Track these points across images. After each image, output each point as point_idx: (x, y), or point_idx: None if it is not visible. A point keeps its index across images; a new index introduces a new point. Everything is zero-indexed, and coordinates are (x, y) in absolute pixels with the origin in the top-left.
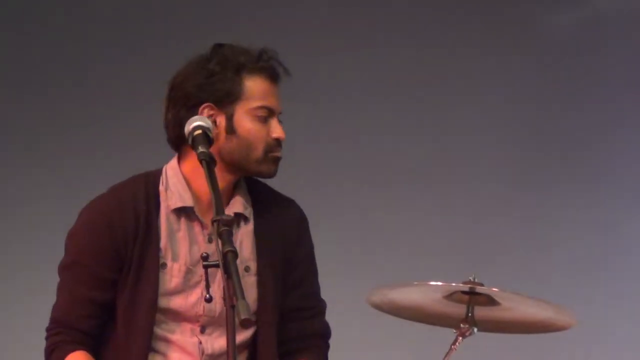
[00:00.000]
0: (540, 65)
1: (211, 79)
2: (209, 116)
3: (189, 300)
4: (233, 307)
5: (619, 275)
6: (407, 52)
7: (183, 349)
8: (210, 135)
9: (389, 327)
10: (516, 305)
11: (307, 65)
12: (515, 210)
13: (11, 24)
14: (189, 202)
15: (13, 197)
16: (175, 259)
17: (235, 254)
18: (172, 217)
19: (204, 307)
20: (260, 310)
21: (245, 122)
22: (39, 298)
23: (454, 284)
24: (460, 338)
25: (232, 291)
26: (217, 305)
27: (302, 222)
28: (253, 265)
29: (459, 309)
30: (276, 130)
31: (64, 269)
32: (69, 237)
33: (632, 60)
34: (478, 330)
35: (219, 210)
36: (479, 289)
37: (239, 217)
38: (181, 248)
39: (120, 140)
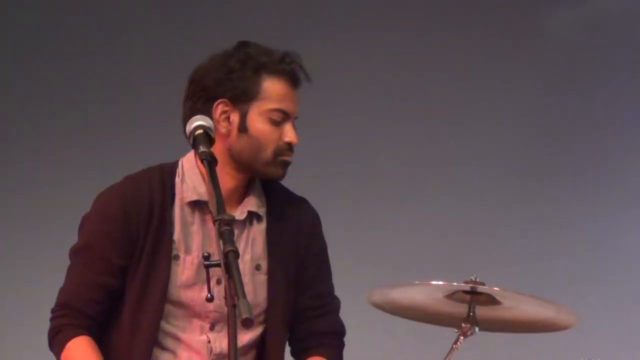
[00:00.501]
0: (542, 64)
1: (230, 76)
2: (223, 112)
3: (201, 295)
4: (234, 306)
5: (620, 275)
6: (407, 52)
7: (191, 347)
8: (211, 134)
9: (390, 327)
10: (517, 305)
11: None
12: (516, 210)
13: (13, 23)
14: (204, 196)
15: (18, 187)
16: (188, 251)
17: (236, 254)
18: (187, 210)
19: (214, 303)
20: (270, 308)
21: (258, 122)
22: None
23: (455, 284)
24: (462, 337)
25: (234, 291)
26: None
27: (314, 222)
28: (264, 264)
29: (461, 309)
30: (289, 134)
31: (75, 252)
32: (83, 222)
33: (634, 58)
34: (479, 330)
35: (220, 209)
36: (480, 288)
37: (252, 216)
38: (194, 241)
39: (130, 135)
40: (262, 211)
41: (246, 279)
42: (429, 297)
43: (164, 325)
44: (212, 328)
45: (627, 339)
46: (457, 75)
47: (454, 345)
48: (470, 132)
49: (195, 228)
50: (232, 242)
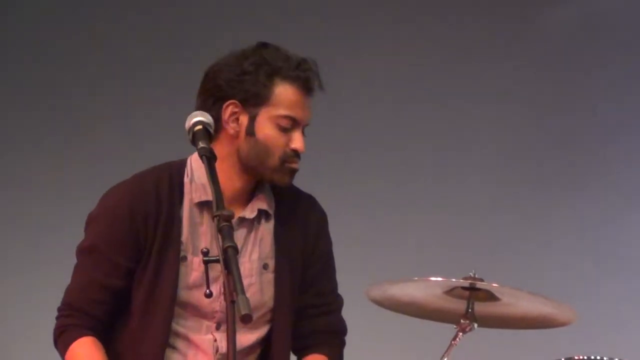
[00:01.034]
0: (539, 62)
1: (242, 77)
2: (233, 113)
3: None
4: (233, 302)
5: (619, 271)
6: (406, 50)
7: (199, 347)
8: (210, 130)
9: (389, 323)
10: (516, 301)
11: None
12: (515, 206)
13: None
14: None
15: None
16: (195, 252)
17: (235, 250)
18: (195, 210)
19: (220, 302)
20: (276, 307)
21: (266, 127)
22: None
23: (454, 280)
24: (461, 334)
25: (233, 287)
26: None
27: (322, 220)
28: (271, 263)
29: (459, 305)
30: (296, 141)
31: (81, 252)
32: (89, 221)
33: (631, 55)
34: (478, 326)
35: (219, 205)
36: (479, 284)
37: (261, 214)
38: (202, 242)
39: (134, 130)
40: (271, 209)
41: (253, 278)
42: (428, 293)
43: (174, 326)
44: (217, 328)
45: (626, 335)
46: (458, 73)
47: (453, 342)
48: (469, 129)
49: (204, 229)
50: (231, 238)
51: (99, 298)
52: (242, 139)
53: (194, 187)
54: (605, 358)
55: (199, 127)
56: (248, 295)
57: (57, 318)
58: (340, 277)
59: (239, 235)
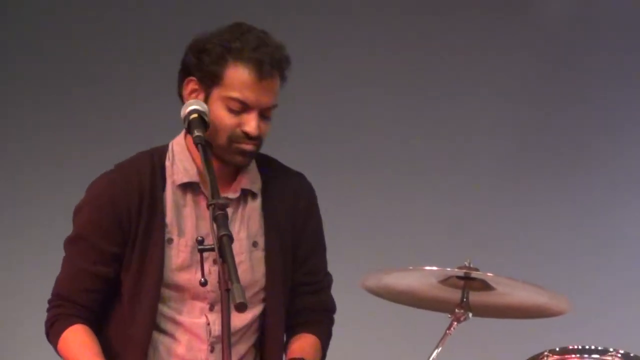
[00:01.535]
0: (537, 57)
1: (201, 56)
2: (193, 91)
3: (197, 276)
4: (228, 290)
5: (613, 261)
6: (404, 46)
7: (191, 331)
8: (206, 119)
9: (384, 312)
10: (511, 291)
11: (308, 61)
12: (510, 196)
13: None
14: (194, 177)
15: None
16: (181, 234)
17: (230, 238)
18: (178, 193)
19: (211, 283)
20: (269, 285)
21: (216, 107)
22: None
23: (449, 269)
24: (455, 323)
25: (227, 275)
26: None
27: (310, 196)
28: (261, 241)
29: (454, 294)
30: (248, 124)
31: (68, 243)
32: (75, 213)
33: (628, 51)
34: (473, 315)
35: (215, 194)
36: (474, 274)
37: (246, 194)
38: (187, 223)
39: (122, 124)
40: (256, 188)
41: (243, 256)
42: (423, 282)
43: (162, 308)
44: (211, 309)
45: (620, 325)
46: (454, 67)
47: (448, 331)
48: (464, 121)
49: (188, 210)
50: (227, 227)
51: (88, 287)
52: None
53: (175, 169)
54: (599, 347)
55: (195, 115)
56: (239, 272)
57: (48, 310)
58: (336, 266)
59: None
